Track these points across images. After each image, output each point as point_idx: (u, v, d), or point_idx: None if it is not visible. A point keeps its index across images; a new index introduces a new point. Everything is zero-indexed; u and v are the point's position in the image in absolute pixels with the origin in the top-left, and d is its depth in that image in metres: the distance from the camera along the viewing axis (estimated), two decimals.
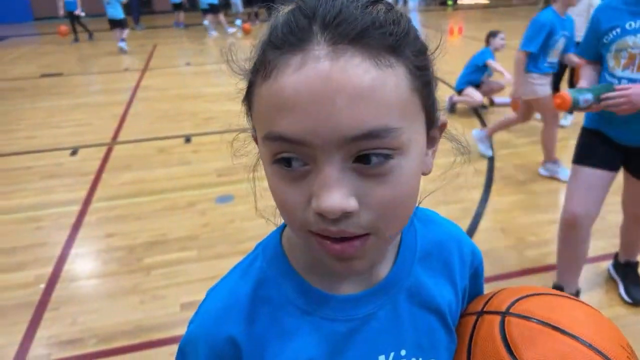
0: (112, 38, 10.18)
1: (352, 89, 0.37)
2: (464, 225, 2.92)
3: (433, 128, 0.47)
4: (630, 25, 1.74)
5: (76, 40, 10.64)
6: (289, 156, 0.41)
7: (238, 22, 11.68)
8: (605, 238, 2.70)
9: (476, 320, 0.58)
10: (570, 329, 0.51)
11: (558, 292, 0.59)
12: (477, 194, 3.31)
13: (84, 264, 2.75)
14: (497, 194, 3.33)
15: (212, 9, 11.25)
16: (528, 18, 3.39)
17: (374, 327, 0.52)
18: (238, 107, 0.50)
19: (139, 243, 2.82)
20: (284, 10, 0.43)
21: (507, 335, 0.53)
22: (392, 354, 0.52)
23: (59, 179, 3.79)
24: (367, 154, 0.39)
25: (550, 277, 2.48)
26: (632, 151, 1.92)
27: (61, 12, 10.18)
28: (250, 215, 2.74)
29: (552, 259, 2.61)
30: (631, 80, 1.76)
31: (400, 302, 0.54)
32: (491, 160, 3.86)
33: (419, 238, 0.57)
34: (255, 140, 0.49)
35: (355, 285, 0.52)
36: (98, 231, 3.03)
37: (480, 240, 2.78)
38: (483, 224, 2.95)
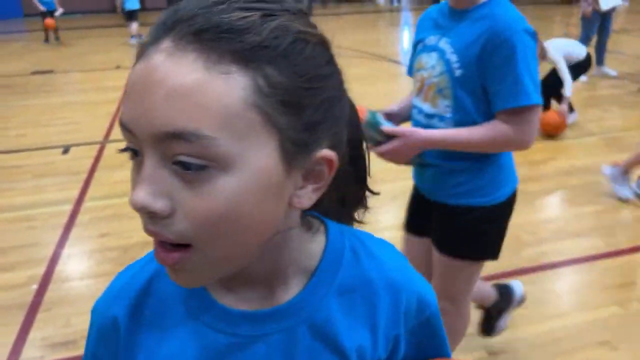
0: (88, 36, 10.06)
1: (171, 85, 0.36)
2: None
3: (305, 160, 0.42)
4: (430, 40, 1.36)
5: (47, 40, 10.00)
6: (126, 146, 0.40)
7: None
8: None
9: None
10: None
11: None
12: None
13: (77, 264, 2.72)
14: None
15: None
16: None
17: (260, 351, 0.48)
18: None
19: (134, 243, 2.79)
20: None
21: None
22: None
23: (51, 178, 3.74)
24: (179, 160, 0.37)
25: (546, 277, 2.49)
26: (434, 207, 1.46)
27: (40, 7, 9.67)
28: None
29: (548, 258, 2.62)
30: (420, 112, 1.38)
31: (300, 332, 0.49)
32: None
33: (343, 270, 0.51)
34: None
35: (252, 303, 0.49)
36: (91, 231, 3.00)
37: None
38: None
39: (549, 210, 3.11)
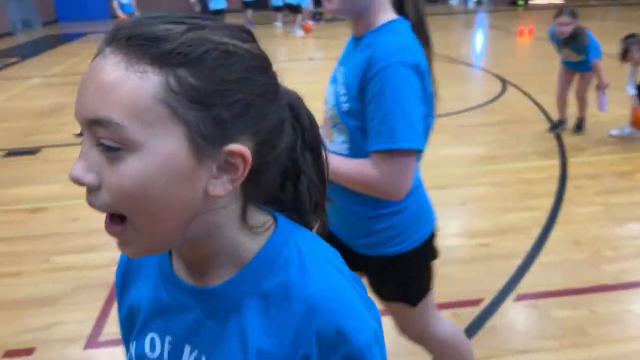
0: None
1: (98, 81, 0.45)
2: (533, 234, 2.80)
3: (216, 152, 0.48)
4: (335, 70, 1.26)
5: None
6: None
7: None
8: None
9: None
10: None
11: None
12: (548, 203, 3.16)
13: None
14: (570, 203, 3.16)
15: (292, 8, 11.60)
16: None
17: (188, 319, 0.56)
18: (314, 104, 0.53)
19: None
20: None
21: None
22: (195, 352, 0.57)
23: None
24: (102, 142, 0.45)
25: (626, 296, 2.33)
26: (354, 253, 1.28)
27: (118, 13, 9.79)
28: None
29: (631, 276, 2.45)
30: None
31: (219, 316, 0.55)
32: (564, 168, 3.68)
33: (271, 275, 0.54)
34: None
35: (190, 278, 0.57)
36: None
37: (552, 251, 2.65)
38: (555, 234, 2.81)
39: (634, 225, 2.90)
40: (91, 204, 0.47)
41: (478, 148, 4.13)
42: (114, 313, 2.30)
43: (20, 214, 3.32)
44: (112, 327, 2.20)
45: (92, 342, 2.14)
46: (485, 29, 11.85)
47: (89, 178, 0.46)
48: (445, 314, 1.84)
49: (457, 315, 2.18)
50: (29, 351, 2.09)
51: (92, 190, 0.47)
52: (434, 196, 1.36)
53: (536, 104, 5.31)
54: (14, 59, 9.74)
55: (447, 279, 2.28)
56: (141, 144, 0.45)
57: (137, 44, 0.45)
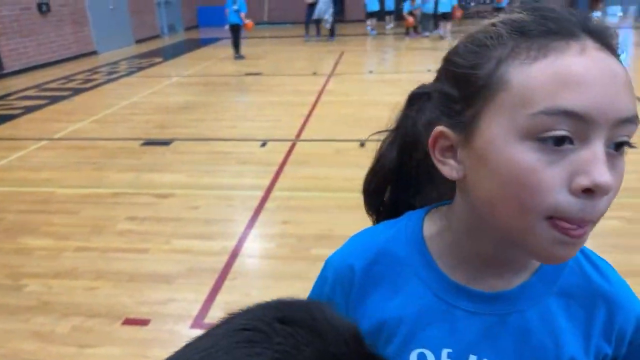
0: (293, 44, 10.98)
1: (624, 77, 0.44)
2: None
3: None
4: None
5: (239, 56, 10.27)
6: (562, 134, 0.42)
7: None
8: None
9: None
10: None
11: None
12: None
13: (261, 244, 3.07)
14: None
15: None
16: None
17: (473, 326, 0.54)
18: None
19: (308, 233, 3.03)
20: (516, 13, 0.48)
21: None
22: (474, 358, 0.54)
23: (250, 166, 4.28)
24: (621, 141, 0.44)
25: None
26: None
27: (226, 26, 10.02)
28: None
29: None
30: None
31: (531, 318, 0.54)
32: None
33: (565, 274, 0.55)
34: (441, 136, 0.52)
35: (476, 283, 0.55)
36: (276, 217, 3.35)
37: None
38: None
39: None
40: (586, 217, 0.43)
41: None
42: (220, 298, 2.47)
43: (151, 197, 3.72)
44: (217, 312, 2.37)
45: (198, 322, 2.32)
46: (630, 48, 10.67)
47: (611, 181, 0.43)
48: None
49: None
50: (145, 322, 2.33)
51: (600, 198, 0.43)
52: None
53: None
54: (158, 59, 10.93)
55: None
56: None
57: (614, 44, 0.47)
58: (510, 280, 0.54)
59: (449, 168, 0.52)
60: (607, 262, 0.58)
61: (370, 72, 8.79)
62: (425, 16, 12.14)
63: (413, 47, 11.24)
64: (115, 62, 10.48)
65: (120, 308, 2.42)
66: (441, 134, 0.51)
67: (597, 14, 12.38)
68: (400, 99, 0.69)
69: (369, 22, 13.31)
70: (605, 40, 0.45)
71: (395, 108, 0.66)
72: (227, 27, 10.11)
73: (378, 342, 0.57)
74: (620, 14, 15.03)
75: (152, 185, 3.93)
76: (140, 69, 9.72)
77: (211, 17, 17.52)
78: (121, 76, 8.92)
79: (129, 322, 2.34)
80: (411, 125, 0.61)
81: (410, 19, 12.11)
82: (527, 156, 0.43)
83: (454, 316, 0.55)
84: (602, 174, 0.41)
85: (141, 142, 5.02)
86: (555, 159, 0.43)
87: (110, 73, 9.26)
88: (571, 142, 0.42)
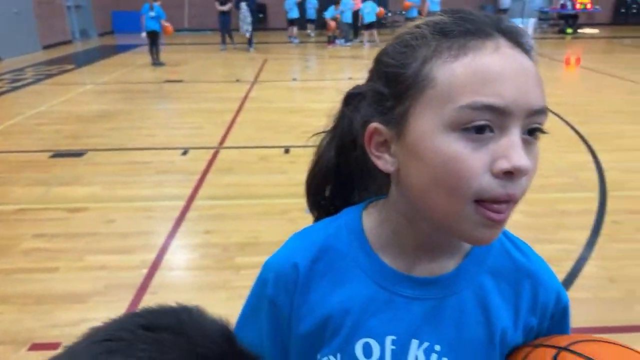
0: (214, 51, 10.83)
1: (534, 72, 0.49)
2: (564, 267, 2.70)
3: None
4: None
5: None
6: (482, 124, 0.47)
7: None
8: None
9: (531, 350, 0.57)
10: None
11: (633, 350, 0.54)
12: (582, 236, 3.05)
13: (184, 255, 2.97)
14: (607, 239, 3.04)
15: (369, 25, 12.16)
16: None
17: (416, 310, 0.57)
18: None
19: (233, 242, 2.99)
20: (438, 15, 0.53)
21: None
22: (426, 344, 0.57)
23: (170, 175, 4.14)
24: (534, 127, 0.49)
25: None
26: None
27: (143, 34, 9.65)
28: None
29: None
30: None
31: (467, 298, 0.58)
32: (602, 201, 3.55)
33: (494, 254, 0.60)
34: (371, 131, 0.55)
35: (414, 269, 0.59)
36: (198, 227, 3.26)
37: (582, 287, 2.55)
38: (587, 269, 2.71)
39: None
40: (512, 195, 0.48)
41: None
42: None
43: (61, 212, 3.48)
44: None
45: None
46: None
47: (529, 165, 0.48)
48: None
49: None
50: (55, 345, 2.17)
51: (519, 179, 0.48)
52: None
53: (578, 134, 5.16)
54: (70, 66, 10.28)
55: None
56: None
57: (527, 42, 0.51)
58: (446, 265, 0.58)
59: (383, 162, 0.55)
60: (526, 243, 0.64)
61: (294, 79, 8.86)
62: (344, 25, 12.46)
63: (335, 55, 11.48)
64: (21, 69, 9.72)
65: (26, 333, 2.24)
66: (375, 130, 0.54)
67: None
68: (324, 105, 0.71)
69: (290, 30, 13.41)
70: (516, 39, 0.50)
71: (329, 114, 0.68)
72: (144, 34, 9.71)
73: (324, 335, 0.59)
74: (521, 25, 16.33)
75: (62, 199, 3.68)
76: (49, 76, 9.09)
77: (127, 22, 16.77)
78: (27, 84, 8.29)
79: (36, 347, 2.16)
80: (348, 124, 0.64)
81: (333, 24, 12.38)
82: (453, 145, 0.47)
83: (396, 304, 0.57)
84: (520, 158, 0.46)
85: (50, 154, 4.69)
86: (478, 146, 0.47)
87: (14, 81, 8.57)
88: (491, 130, 0.47)
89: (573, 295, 2.47)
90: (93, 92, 7.78)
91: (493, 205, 0.48)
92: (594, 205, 3.48)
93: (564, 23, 15.72)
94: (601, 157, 4.41)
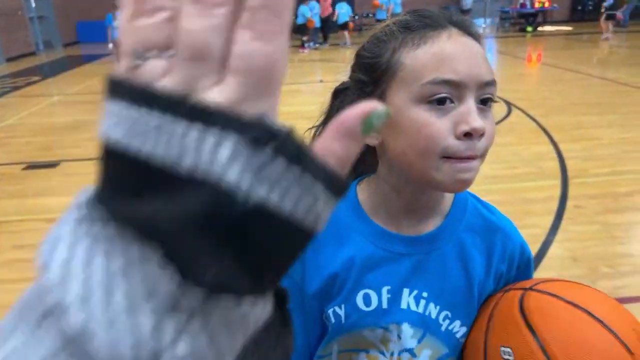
0: None
1: (482, 53, 0.61)
2: (532, 250, 2.86)
3: None
4: None
5: None
6: (444, 96, 0.59)
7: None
8: None
9: (502, 294, 0.69)
10: (583, 305, 0.60)
11: (587, 286, 0.66)
12: (547, 221, 3.24)
13: None
14: (569, 222, 3.23)
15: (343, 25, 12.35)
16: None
17: (406, 265, 0.68)
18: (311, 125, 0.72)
19: None
20: (403, 15, 0.66)
21: (524, 304, 0.63)
22: (415, 292, 0.68)
23: None
24: (486, 97, 0.60)
25: None
26: None
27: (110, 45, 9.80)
28: None
29: (626, 292, 2.51)
30: None
31: (442, 253, 0.69)
32: (564, 188, 3.76)
33: (468, 214, 0.72)
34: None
35: (402, 229, 0.69)
36: None
37: (549, 267, 2.72)
38: (553, 251, 2.89)
39: (631, 244, 2.96)
40: (472, 154, 0.59)
41: (482, 168, 4.21)
42: None
43: (39, 223, 3.47)
44: None
45: None
46: (493, 55, 12.03)
47: (484, 126, 0.58)
48: None
49: None
50: None
51: (478, 139, 0.59)
52: None
53: (540, 127, 5.41)
54: (36, 77, 10.10)
55: None
56: None
57: (476, 31, 0.63)
58: (429, 225, 0.70)
59: (370, 137, 0.67)
60: (493, 206, 0.77)
61: None
62: (311, 30, 12.59)
63: (304, 59, 11.61)
64: None
65: None
66: None
67: None
68: (300, 108, 0.82)
69: None
70: (466, 28, 0.62)
71: (307, 117, 0.80)
72: (111, 45, 9.61)
73: (332, 291, 0.69)
74: (484, 25, 16.85)
75: (39, 210, 3.66)
76: (16, 88, 8.91)
77: (92, 32, 16.53)
78: None
79: None
80: (336, 114, 0.76)
81: (312, 22, 12.46)
82: (422, 115, 0.59)
83: (389, 259, 0.68)
84: (475, 121, 0.57)
85: (23, 166, 4.64)
86: (442, 114, 0.58)
87: None
88: (452, 101, 0.58)
89: (540, 275, 2.63)
90: (63, 102, 7.68)
91: (458, 161, 0.59)
92: (557, 192, 3.68)
93: (525, 22, 16.28)
94: (562, 147, 4.65)
